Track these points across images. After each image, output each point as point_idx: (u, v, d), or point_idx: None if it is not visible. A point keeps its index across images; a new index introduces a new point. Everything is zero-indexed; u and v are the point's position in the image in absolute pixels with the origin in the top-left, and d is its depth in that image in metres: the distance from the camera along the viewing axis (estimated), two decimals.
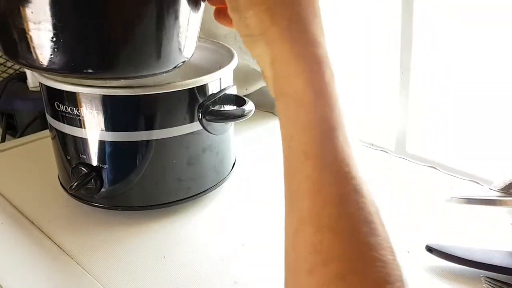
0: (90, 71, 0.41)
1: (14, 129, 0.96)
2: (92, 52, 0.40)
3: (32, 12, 0.38)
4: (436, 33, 0.68)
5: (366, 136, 0.79)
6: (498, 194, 0.56)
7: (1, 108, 0.96)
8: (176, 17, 0.42)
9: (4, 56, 0.43)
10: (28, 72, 0.93)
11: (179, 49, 0.44)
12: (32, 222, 0.58)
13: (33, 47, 0.39)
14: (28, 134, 0.85)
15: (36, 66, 0.41)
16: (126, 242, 0.54)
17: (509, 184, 0.55)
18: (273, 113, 0.87)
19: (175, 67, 0.45)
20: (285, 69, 0.32)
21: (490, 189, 0.59)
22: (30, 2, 0.37)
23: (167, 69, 0.45)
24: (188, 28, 0.44)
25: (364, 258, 0.27)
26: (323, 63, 0.31)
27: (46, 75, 0.53)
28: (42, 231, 0.56)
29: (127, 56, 0.41)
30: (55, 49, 0.39)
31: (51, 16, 0.37)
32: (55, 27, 0.38)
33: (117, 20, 0.40)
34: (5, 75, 1.05)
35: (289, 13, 0.32)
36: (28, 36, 0.39)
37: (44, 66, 0.40)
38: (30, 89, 0.95)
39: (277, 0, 0.32)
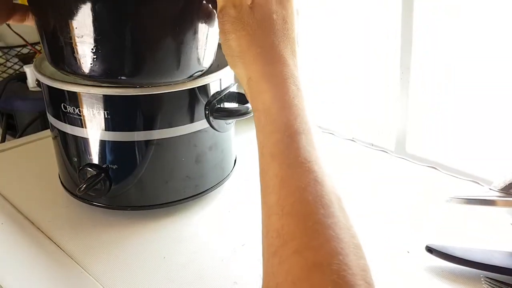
0: (123, 78, 0.48)
1: (14, 129, 0.96)
2: (125, 62, 0.48)
3: (76, 28, 0.45)
4: (436, 33, 0.68)
5: (366, 136, 0.79)
6: (498, 194, 0.56)
7: (1, 108, 0.96)
8: (195, 34, 0.48)
9: (52, 65, 0.50)
10: (28, 72, 0.93)
11: (198, 60, 0.51)
12: (32, 223, 0.58)
13: (77, 57, 0.47)
14: (28, 134, 0.85)
15: (78, 73, 0.48)
16: (126, 242, 0.54)
17: (509, 184, 0.55)
18: None
19: (191, 76, 0.52)
20: (257, 87, 0.37)
21: (490, 189, 0.59)
22: (75, 19, 0.45)
23: (185, 77, 0.52)
24: (207, 42, 0.51)
25: (319, 235, 0.30)
26: (288, 81, 0.36)
27: (51, 77, 0.54)
28: (42, 232, 0.56)
29: (153, 66, 0.48)
30: (95, 59, 0.46)
31: (92, 31, 0.45)
32: (95, 40, 0.45)
33: (145, 37, 0.47)
34: (5, 75, 1.05)
35: (264, 41, 0.38)
36: (73, 48, 0.46)
37: (86, 73, 0.47)
38: (30, 89, 0.95)
39: (256, 30, 0.38)
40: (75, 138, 0.55)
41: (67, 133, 0.56)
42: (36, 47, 1.03)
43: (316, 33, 0.85)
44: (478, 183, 0.65)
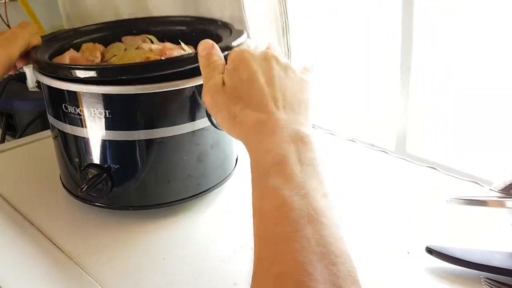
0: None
1: (14, 130, 0.96)
2: None
3: None
4: (436, 33, 0.68)
5: (366, 136, 0.79)
6: (498, 194, 0.56)
7: (1, 108, 0.96)
8: None
9: None
10: (28, 73, 0.93)
11: None
12: (32, 223, 0.58)
13: None
14: (28, 134, 0.85)
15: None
16: (126, 243, 0.54)
17: (509, 184, 0.55)
18: None
19: None
20: (249, 144, 0.43)
21: (490, 189, 0.59)
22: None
23: None
24: None
25: (284, 250, 0.33)
26: (256, 127, 0.42)
27: (51, 77, 0.54)
28: (42, 232, 0.56)
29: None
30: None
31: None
32: None
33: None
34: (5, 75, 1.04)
35: (239, 111, 0.44)
36: None
37: None
38: (30, 89, 0.94)
39: (231, 107, 0.45)
40: (76, 138, 0.55)
41: (68, 133, 0.56)
42: None
43: (316, 33, 0.85)
44: (478, 184, 0.65)
